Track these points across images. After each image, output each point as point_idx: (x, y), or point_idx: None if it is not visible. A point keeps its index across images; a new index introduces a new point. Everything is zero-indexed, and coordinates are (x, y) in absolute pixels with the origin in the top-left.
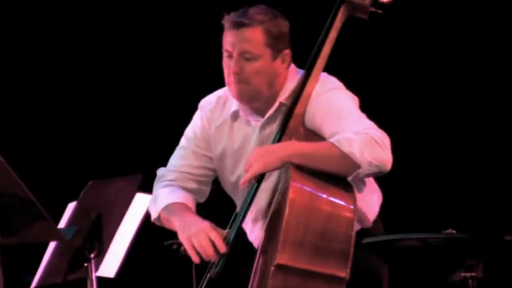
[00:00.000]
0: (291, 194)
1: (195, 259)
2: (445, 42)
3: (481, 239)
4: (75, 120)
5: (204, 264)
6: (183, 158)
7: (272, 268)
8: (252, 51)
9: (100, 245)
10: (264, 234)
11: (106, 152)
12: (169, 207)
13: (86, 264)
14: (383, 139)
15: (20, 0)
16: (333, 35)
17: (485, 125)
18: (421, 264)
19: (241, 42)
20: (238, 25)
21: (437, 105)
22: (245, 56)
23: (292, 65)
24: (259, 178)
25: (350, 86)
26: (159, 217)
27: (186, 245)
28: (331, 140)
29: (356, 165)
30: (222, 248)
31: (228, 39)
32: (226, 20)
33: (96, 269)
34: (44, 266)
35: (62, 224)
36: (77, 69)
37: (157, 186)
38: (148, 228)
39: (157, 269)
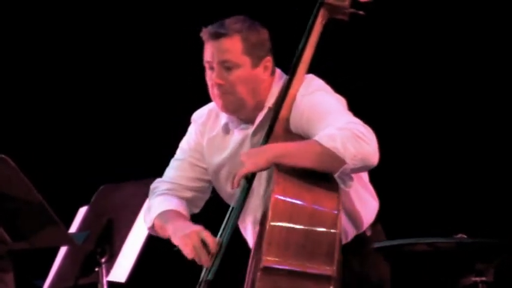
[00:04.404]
0: (273, 199)
1: (190, 255)
2: (440, 43)
3: (492, 244)
4: (87, 123)
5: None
6: (178, 169)
7: (259, 272)
8: (231, 60)
9: (111, 250)
10: (255, 240)
11: (118, 155)
12: (162, 215)
13: (97, 269)
14: (365, 133)
15: (20, 0)
16: (314, 38)
17: (500, 128)
18: (431, 269)
19: (220, 52)
20: (215, 36)
21: (446, 109)
22: (225, 66)
23: (278, 70)
24: (250, 178)
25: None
26: (153, 226)
27: (180, 243)
28: (314, 138)
29: (340, 160)
30: (214, 248)
31: (208, 51)
32: (204, 33)
33: (107, 273)
34: (55, 270)
35: (73, 228)
36: (87, 72)
37: (151, 197)
38: None
39: (168, 273)
